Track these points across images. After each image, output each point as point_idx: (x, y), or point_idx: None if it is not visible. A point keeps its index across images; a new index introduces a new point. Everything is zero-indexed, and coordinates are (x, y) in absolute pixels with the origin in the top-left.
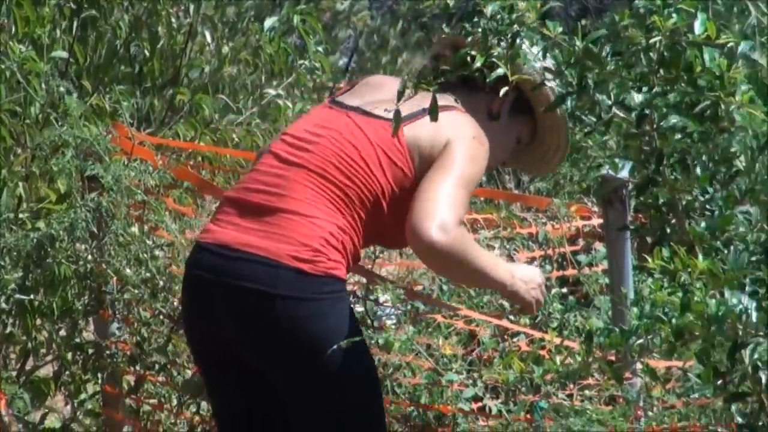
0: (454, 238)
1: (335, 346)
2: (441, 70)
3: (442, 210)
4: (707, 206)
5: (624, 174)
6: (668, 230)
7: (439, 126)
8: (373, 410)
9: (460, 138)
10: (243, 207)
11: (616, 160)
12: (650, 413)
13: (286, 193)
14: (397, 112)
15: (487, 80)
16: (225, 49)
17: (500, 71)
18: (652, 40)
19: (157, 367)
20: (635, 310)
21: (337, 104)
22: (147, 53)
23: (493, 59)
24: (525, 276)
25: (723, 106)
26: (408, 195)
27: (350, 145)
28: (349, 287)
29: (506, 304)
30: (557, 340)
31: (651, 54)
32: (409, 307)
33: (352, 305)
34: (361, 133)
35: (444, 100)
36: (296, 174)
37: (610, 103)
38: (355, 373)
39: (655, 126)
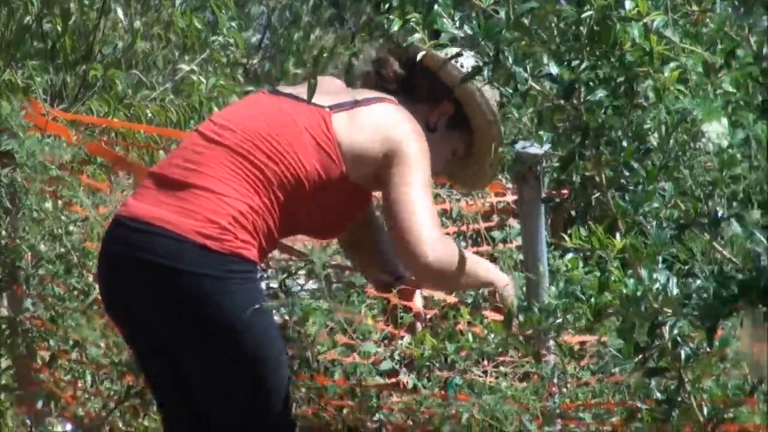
0: (444, 251)
1: (242, 325)
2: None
3: (425, 226)
4: (627, 182)
5: (547, 148)
6: (592, 204)
7: (375, 121)
8: (278, 392)
9: (405, 138)
10: (161, 181)
11: (541, 133)
12: (564, 390)
13: (200, 169)
14: (313, 82)
15: (404, 44)
16: (137, 24)
17: (417, 36)
18: (583, 15)
19: (71, 343)
20: (553, 289)
21: (271, 91)
22: (59, 29)
23: (412, 24)
24: (498, 273)
25: (650, 82)
26: (335, 185)
27: (276, 127)
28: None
29: None
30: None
31: (581, 28)
32: (323, 284)
33: (266, 286)
34: (290, 116)
35: (377, 93)
36: (215, 152)
37: (526, 75)
38: (260, 354)
39: (582, 99)
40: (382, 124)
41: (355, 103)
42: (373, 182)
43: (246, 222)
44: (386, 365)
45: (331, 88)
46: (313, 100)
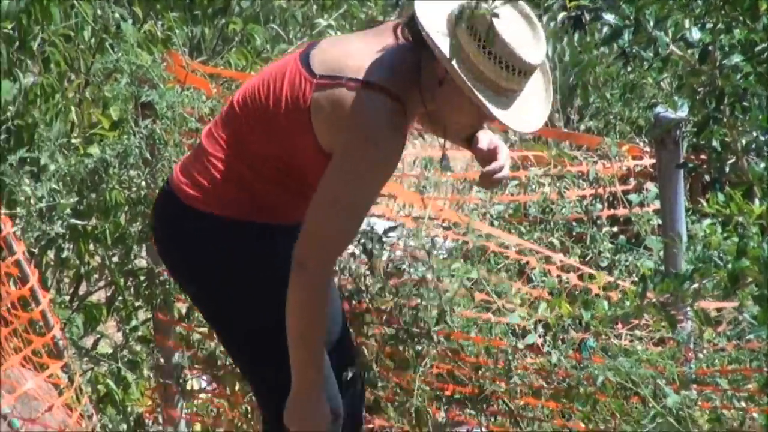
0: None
1: (233, 270)
2: None
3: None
4: (766, 147)
5: (682, 113)
6: (726, 170)
7: (346, 110)
8: (273, 354)
9: (350, 143)
10: None
11: (675, 98)
12: (701, 355)
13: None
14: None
15: None
16: None
17: None
18: None
19: None
20: (690, 254)
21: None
22: None
23: None
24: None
25: None
26: (307, 148)
27: (266, 84)
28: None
29: (556, 242)
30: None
31: None
32: (460, 242)
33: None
34: (281, 75)
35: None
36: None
37: (668, 40)
38: (244, 308)
39: (717, 64)
40: (343, 105)
41: (346, 81)
42: None
43: (231, 178)
44: (530, 339)
45: (351, 50)
46: (313, 66)
